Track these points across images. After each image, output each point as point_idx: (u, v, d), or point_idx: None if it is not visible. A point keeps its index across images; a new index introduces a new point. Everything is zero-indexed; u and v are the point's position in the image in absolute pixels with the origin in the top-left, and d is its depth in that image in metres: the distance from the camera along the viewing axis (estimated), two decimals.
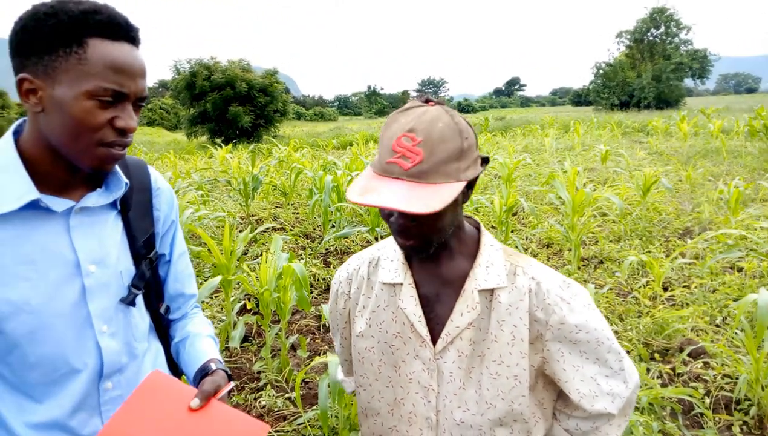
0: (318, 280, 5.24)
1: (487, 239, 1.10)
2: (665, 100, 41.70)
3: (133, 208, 1.19)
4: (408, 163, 0.90)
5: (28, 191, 0.99)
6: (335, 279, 1.26)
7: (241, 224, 7.56)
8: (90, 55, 0.95)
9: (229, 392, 1.17)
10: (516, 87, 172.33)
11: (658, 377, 3.30)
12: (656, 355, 3.57)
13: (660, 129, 18.37)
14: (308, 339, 4.06)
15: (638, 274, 5.07)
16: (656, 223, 6.85)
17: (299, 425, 2.84)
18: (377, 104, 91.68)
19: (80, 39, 0.95)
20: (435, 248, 1.03)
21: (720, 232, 4.85)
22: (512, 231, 6.85)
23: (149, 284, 1.21)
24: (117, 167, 1.14)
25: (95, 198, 1.10)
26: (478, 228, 1.13)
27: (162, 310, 1.26)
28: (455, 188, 0.91)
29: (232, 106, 25.44)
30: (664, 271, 4.57)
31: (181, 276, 1.31)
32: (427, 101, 0.97)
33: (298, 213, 8.34)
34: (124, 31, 0.99)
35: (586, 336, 1.03)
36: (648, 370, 3.38)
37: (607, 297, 4.49)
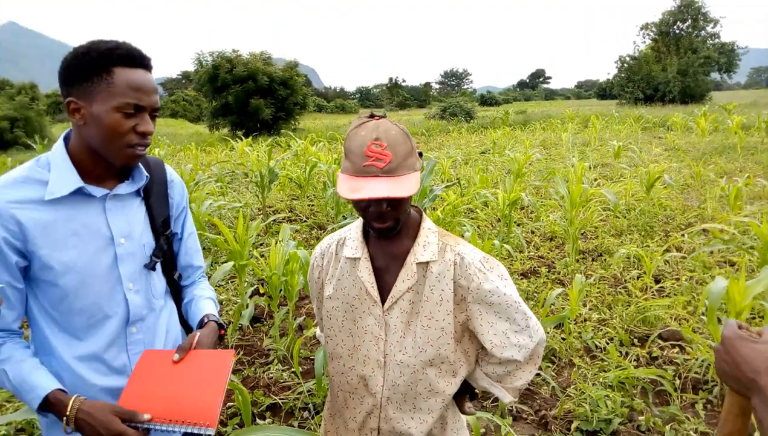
0: None
1: (427, 223, 1.40)
2: (691, 95, 41.09)
3: (153, 196, 1.50)
4: (381, 163, 1.20)
5: (76, 182, 1.32)
6: (312, 255, 1.56)
7: (258, 214, 7.92)
8: (116, 79, 1.27)
9: (221, 338, 1.49)
10: (540, 79, 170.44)
11: (634, 360, 3.55)
12: (636, 341, 3.81)
13: (679, 124, 18.31)
14: (314, 321, 4.37)
15: (633, 266, 5.29)
16: (660, 218, 7.03)
17: (299, 393, 3.17)
18: (399, 96, 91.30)
19: (108, 68, 1.27)
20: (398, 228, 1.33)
21: (702, 226, 5.05)
22: (518, 224, 7.09)
23: (166, 256, 1.53)
24: (140, 164, 1.46)
25: (124, 187, 1.42)
26: (420, 214, 1.42)
27: (175, 277, 1.58)
28: (417, 176, 1.24)
29: (253, 99, 25.85)
30: (655, 263, 4.78)
31: (191, 251, 1.63)
32: (372, 116, 1.27)
33: (313, 205, 8.68)
34: (139, 61, 1.31)
35: (498, 299, 1.32)
36: (626, 354, 3.64)
37: (598, 287, 4.73)
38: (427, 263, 1.35)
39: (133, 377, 1.34)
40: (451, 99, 38.70)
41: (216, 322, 1.49)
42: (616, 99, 49.23)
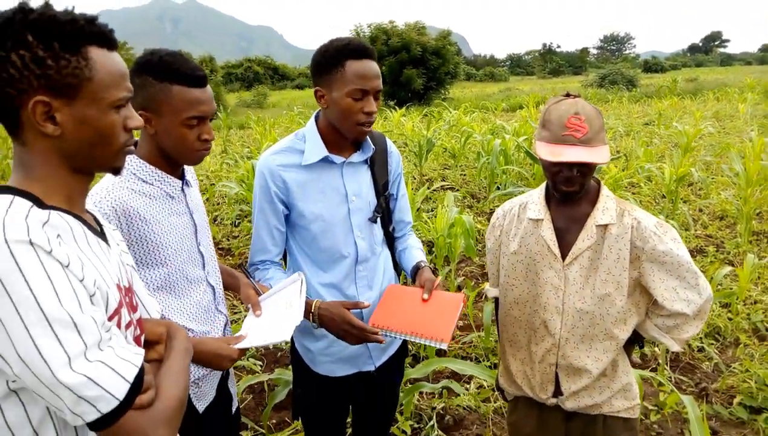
0: (482, 235, 5.82)
1: (605, 191, 1.62)
2: None
3: (376, 164, 1.88)
4: (579, 133, 1.45)
5: (323, 151, 1.72)
6: (494, 215, 1.85)
7: (414, 182, 8.36)
8: (347, 70, 1.62)
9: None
10: (716, 43, 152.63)
11: None
12: None
13: None
14: (472, 283, 4.69)
15: None
16: None
17: (463, 343, 3.52)
18: (552, 63, 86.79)
19: (342, 62, 1.62)
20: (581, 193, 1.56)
21: None
22: (684, 201, 6.76)
23: (384, 212, 1.91)
24: (368, 138, 1.83)
25: (356, 157, 1.80)
26: (598, 183, 1.64)
27: (390, 229, 1.96)
28: (607, 148, 1.48)
29: (406, 69, 26.32)
30: None
31: (403, 209, 1.99)
32: (567, 95, 1.52)
33: (465, 175, 8.94)
34: (366, 52, 1.64)
35: (671, 259, 1.51)
36: None
37: None
38: (606, 225, 1.56)
39: (382, 303, 1.73)
40: (610, 65, 36.32)
41: (430, 268, 1.84)
42: None
